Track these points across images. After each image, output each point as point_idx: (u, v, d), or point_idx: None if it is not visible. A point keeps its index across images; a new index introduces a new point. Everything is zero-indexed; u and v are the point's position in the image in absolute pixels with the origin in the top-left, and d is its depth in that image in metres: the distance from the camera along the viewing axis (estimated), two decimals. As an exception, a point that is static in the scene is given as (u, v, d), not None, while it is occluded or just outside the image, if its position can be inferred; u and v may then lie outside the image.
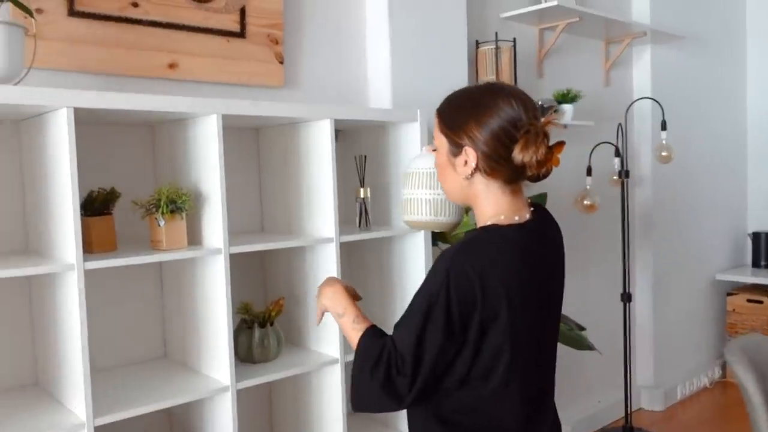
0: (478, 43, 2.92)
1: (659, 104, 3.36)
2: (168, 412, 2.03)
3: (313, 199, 2.03)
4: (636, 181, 3.94)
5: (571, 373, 3.64)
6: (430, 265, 2.28)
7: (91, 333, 1.86)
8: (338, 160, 2.38)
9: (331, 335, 2.02)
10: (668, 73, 3.97)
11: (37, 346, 1.78)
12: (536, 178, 1.26)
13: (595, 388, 3.78)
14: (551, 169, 1.28)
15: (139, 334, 1.99)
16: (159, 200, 1.69)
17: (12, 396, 1.71)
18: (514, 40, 2.91)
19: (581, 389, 3.71)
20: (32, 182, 1.71)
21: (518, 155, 1.22)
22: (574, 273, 3.61)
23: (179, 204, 1.70)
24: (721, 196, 4.44)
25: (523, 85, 3.14)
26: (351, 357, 1.34)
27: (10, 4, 1.57)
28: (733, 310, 4.30)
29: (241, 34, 2.15)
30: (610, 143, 3.32)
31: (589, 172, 3.29)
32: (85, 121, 1.82)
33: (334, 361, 1.99)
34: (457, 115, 1.28)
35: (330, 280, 1.51)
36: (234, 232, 2.15)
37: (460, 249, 1.24)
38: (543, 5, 3.02)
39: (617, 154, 3.31)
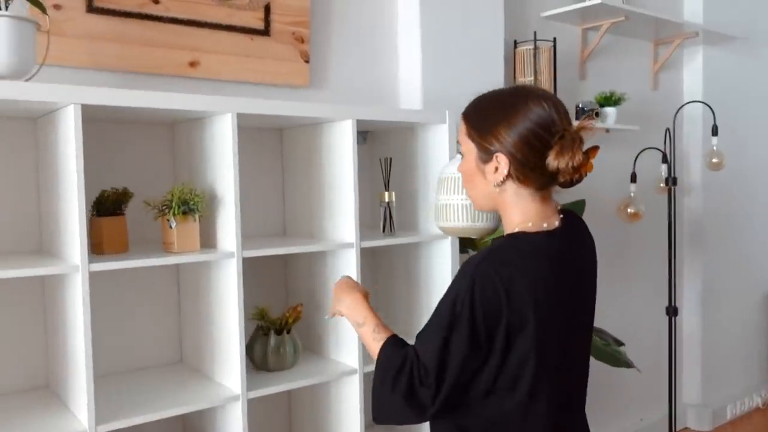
0: (516, 43, 2.80)
1: (710, 108, 3.18)
2: (183, 418, 1.98)
3: (335, 203, 1.95)
4: (685, 189, 3.76)
5: (612, 388, 3.48)
6: (457, 269, 2.18)
7: (105, 336, 1.85)
8: (364, 162, 2.32)
9: (350, 344, 1.94)
10: (721, 76, 3.77)
11: (48, 349, 1.76)
12: (569, 184, 1.21)
13: (637, 405, 3.60)
14: (585, 175, 1.21)
15: (155, 339, 1.95)
16: (171, 201, 1.64)
17: (21, 398, 1.68)
18: (554, 40, 2.78)
19: (623, 405, 3.54)
20: (45, 181, 1.68)
21: (553, 162, 1.16)
22: (614, 284, 3.45)
23: (191, 205, 1.65)
24: (777, 205, 4.20)
25: (563, 87, 3.02)
26: (370, 368, 1.28)
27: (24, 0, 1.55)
28: (789, 327, 4.06)
29: (265, 32, 2.09)
30: (656, 149, 3.15)
31: (633, 178, 3.13)
32: (103, 119, 1.79)
33: (352, 372, 1.91)
34: (487, 119, 1.22)
35: (347, 286, 1.46)
36: (256, 236, 2.10)
37: (487, 256, 1.18)
38: (586, 3, 2.88)
39: (664, 160, 3.14)
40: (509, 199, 1.23)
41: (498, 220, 1.57)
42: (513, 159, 1.18)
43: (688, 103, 3.47)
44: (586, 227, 1.35)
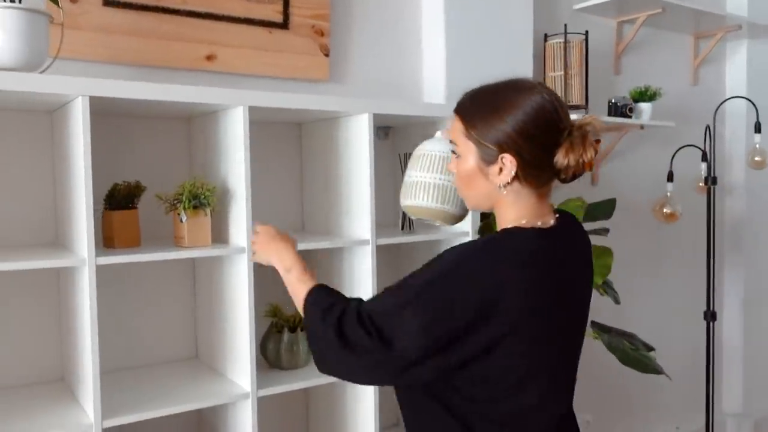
0: (546, 37, 2.72)
1: (754, 105, 3.04)
2: (198, 413, 1.97)
3: (352, 199, 1.91)
4: (725, 189, 3.61)
5: (647, 395, 3.36)
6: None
7: (120, 331, 1.85)
8: (386, 158, 2.27)
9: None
10: (766, 71, 3.61)
11: (62, 342, 1.76)
12: (570, 180, 1.16)
13: (673, 414, 3.48)
14: (584, 171, 1.17)
15: (171, 334, 1.94)
16: (182, 195, 1.62)
17: (35, 390, 1.69)
18: (586, 33, 2.69)
19: (658, 413, 3.42)
20: (59, 174, 1.68)
21: (563, 159, 1.11)
22: (648, 287, 3.33)
23: (202, 199, 1.63)
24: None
25: (595, 82, 2.92)
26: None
27: (38, -8, 1.54)
28: (839, 334, 3.86)
29: (284, 25, 2.06)
30: (695, 146, 3.03)
31: (670, 177, 3.01)
32: (119, 114, 1.79)
33: (367, 372, 1.87)
34: (489, 117, 1.14)
35: (274, 233, 1.43)
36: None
37: (476, 246, 1.12)
38: (621, -5, 2.78)
39: (704, 158, 3.01)
40: (509, 198, 1.17)
41: (466, 210, 1.46)
42: (520, 159, 1.12)
43: (730, 98, 3.32)
44: (582, 228, 1.29)
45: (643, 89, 2.91)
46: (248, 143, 1.65)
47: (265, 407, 1.91)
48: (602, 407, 3.18)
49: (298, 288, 1.29)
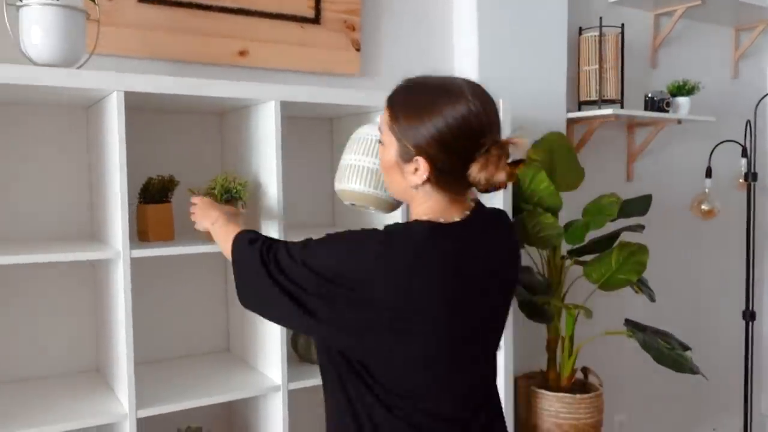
0: (580, 30, 2.68)
1: (796, 98, 2.95)
2: (229, 405, 1.99)
3: (382, 194, 1.91)
4: (766, 185, 3.51)
5: (682, 395, 3.30)
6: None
7: (154, 323, 1.88)
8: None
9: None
10: (811, 64, 3.50)
11: (98, 333, 1.79)
12: (486, 191, 1.12)
13: (709, 414, 3.40)
14: (506, 185, 1.13)
15: (203, 327, 1.97)
16: (213, 189, 1.64)
17: (70, 381, 1.72)
18: (622, 27, 2.64)
19: (694, 414, 3.36)
20: (95, 168, 1.71)
21: (475, 174, 1.08)
22: (685, 285, 3.27)
23: (234, 193, 1.64)
24: None
25: (631, 76, 2.87)
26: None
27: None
28: None
29: (315, 20, 2.07)
30: (735, 142, 2.96)
31: (708, 173, 2.94)
32: (154, 109, 1.81)
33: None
34: (411, 118, 1.12)
35: (210, 203, 1.51)
36: (305, 225, 2.08)
37: (377, 230, 1.13)
38: (658, -13, 2.72)
39: (744, 154, 2.94)
40: (420, 197, 1.16)
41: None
42: (433, 166, 1.11)
43: (772, 92, 3.24)
44: (504, 225, 1.24)
45: (681, 83, 2.85)
46: (280, 138, 1.65)
47: (295, 400, 1.92)
48: (636, 408, 3.13)
49: (223, 236, 1.36)
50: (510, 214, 2.11)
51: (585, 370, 2.46)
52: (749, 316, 2.97)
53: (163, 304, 1.90)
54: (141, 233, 1.67)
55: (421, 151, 1.10)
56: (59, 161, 1.75)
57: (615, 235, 2.29)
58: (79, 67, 1.59)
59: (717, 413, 3.41)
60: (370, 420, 1.13)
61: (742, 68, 3.40)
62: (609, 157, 2.93)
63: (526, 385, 2.39)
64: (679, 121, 2.87)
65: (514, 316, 2.14)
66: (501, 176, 1.08)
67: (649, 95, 2.76)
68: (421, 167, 1.11)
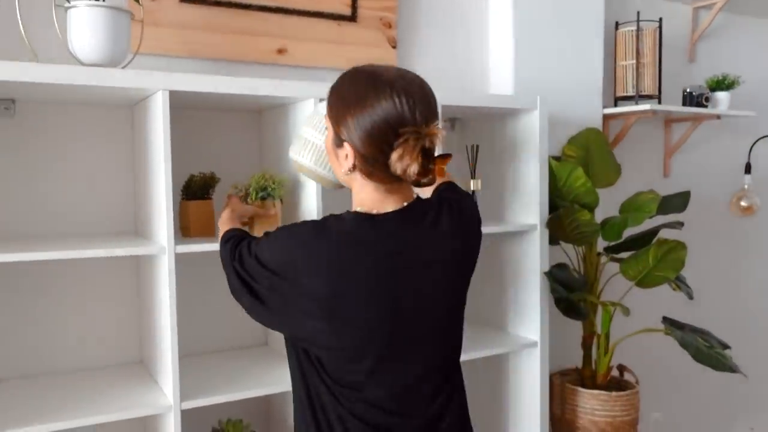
0: (617, 25, 2.65)
1: (840, 92, 2.89)
2: (267, 399, 2.02)
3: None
4: (809, 181, 3.44)
5: (720, 394, 3.26)
6: (546, 262, 2.09)
7: (195, 316, 1.91)
8: (452, 150, 2.27)
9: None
10: None
11: (141, 326, 1.84)
12: (417, 185, 1.14)
13: (748, 413, 3.35)
14: (434, 180, 1.15)
15: (242, 321, 1.99)
16: (250, 187, 1.67)
17: (116, 372, 1.77)
18: (660, 21, 2.61)
19: (731, 413, 3.31)
20: (139, 166, 1.75)
21: (395, 164, 1.10)
22: (722, 283, 3.22)
23: (269, 191, 1.67)
24: None
25: (669, 70, 2.83)
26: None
27: (120, -9, 1.61)
28: None
29: (352, 18, 2.08)
30: (775, 137, 2.91)
31: (747, 169, 2.90)
32: (195, 107, 1.85)
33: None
34: (340, 105, 1.17)
35: (230, 212, 1.55)
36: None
37: (313, 225, 1.16)
38: (697, -20, 2.68)
39: (784, 149, 2.89)
40: (355, 185, 1.21)
41: None
42: (357, 153, 1.14)
43: (815, 86, 3.17)
44: (447, 216, 1.22)
45: (720, 78, 2.80)
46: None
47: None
48: (672, 405, 3.10)
49: (220, 235, 1.40)
50: (546, 211, 2.10)
51: (621, 368, 2.45)
52: (790, 314, 2.92)
53: (204, 299, 1.94)
54: (183, 229, 1.70)
55: (347, 139, 1.15)
56: (105, 159, 1.79)
57: (653, 231, 2.27)
58: (123, 67, 1.63)
59: (756, 412, 3.36)
60: (323, 410, 1.18)
61: (783, 62, 3.33)
62: (646, 153, 2.90)
63: (561, 382, 2.38)
64: (718, 117, 2.83)
65: (549, 313, 2.13)
66: (414, 167, 1.09)
67: (688, 90, 2.73)
68: (349, 155, 1.16)
